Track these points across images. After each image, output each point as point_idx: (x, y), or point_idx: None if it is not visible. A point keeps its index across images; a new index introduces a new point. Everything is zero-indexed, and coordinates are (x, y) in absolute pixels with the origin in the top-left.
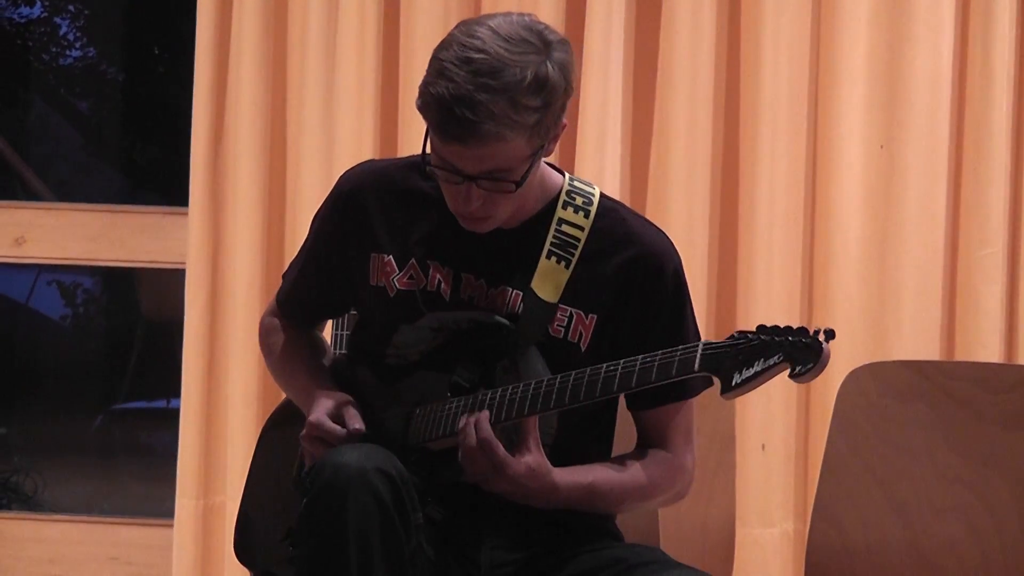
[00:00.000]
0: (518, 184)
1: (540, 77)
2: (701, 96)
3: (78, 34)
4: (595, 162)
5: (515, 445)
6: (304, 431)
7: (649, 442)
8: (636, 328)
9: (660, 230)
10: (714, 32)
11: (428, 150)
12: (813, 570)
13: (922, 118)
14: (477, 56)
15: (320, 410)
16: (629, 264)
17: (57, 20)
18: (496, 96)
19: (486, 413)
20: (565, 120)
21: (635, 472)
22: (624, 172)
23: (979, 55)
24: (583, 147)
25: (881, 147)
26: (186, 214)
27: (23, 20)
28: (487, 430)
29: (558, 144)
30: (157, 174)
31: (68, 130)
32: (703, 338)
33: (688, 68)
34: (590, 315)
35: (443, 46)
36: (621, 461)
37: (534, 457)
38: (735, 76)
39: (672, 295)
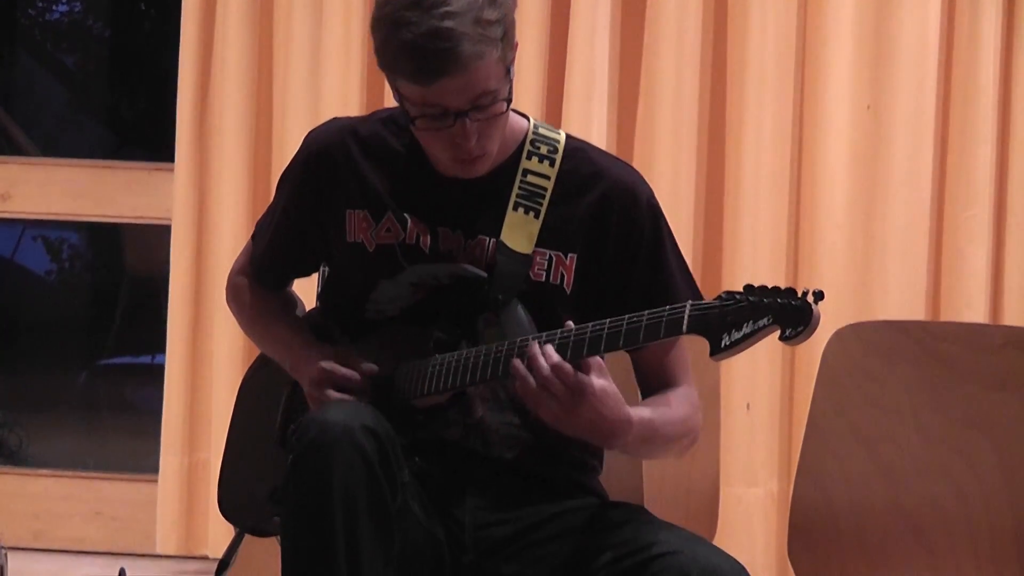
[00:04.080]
0: (509, 101)
1: None
2: (688, 56)
3: None
4: (582, 124)
5: (579, 371)
6: (313, 378)
7: (655, 382)
8: (619, 264)
9: (628, 164)
10: None
11: (406, 109)
12: (797, 529)
13: (909, 79)
14: None
15: (324, 358)
16: (601, 200)
17: None
18: (460, 19)
19: (549, 346)
20: (517, 39)
21: (671, 409)
22: (611, 131)
23: (966, 16)
24: (569, 105)
25: (868, 108)
26: (172, 170)
27: None
28: (555, 356)
29: (545, 103)
30: (143, 130)
31: (54, 85)
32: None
33: (675, 28)
34: (570, 255)
35: (384, 2)
36: (657, 400)
37: (607, 381)
38: (722, 36)
39: (650, 226)
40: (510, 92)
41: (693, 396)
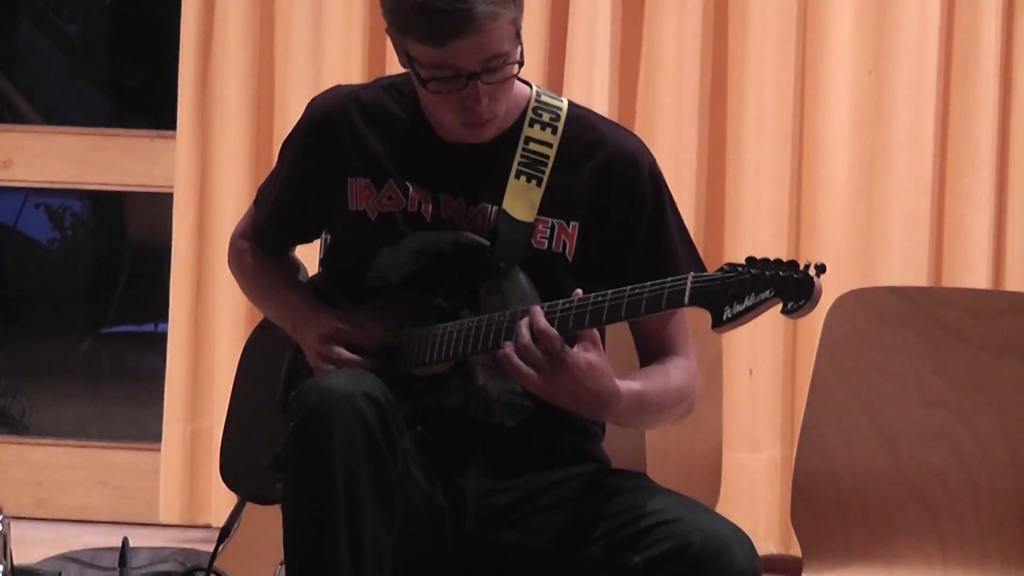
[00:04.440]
0: (521, 64)
1: None
2: (689, 21)
3: None
4: (583, 87)
5: (574, 342)
6: (323, 334)
7: (654, 350)
8: (621, 232)
9: (631, 132)
10: None
11: (417, 72)
12: (799, 495)
13: (910, 44)
14: None
15: (335, 318)
16: (603, 167)
17: None
18: None
19: (539, 308)
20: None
21: (667, 379)
22: (612, 97)
23: None
24: (571, 73)
25: (869, 73)
26: (174, 137)
27: None
28: (543, 322)
29: (546, 69)
30: (145, 97)
31: (56, 53)
32: (695, 243)
33: None
34: (572, 223)
35: None
36: (653, 369)
37: (596, 355)
38: (723, 1)
39: (652, 194)
40: (521, 55)
41: (691, 365)
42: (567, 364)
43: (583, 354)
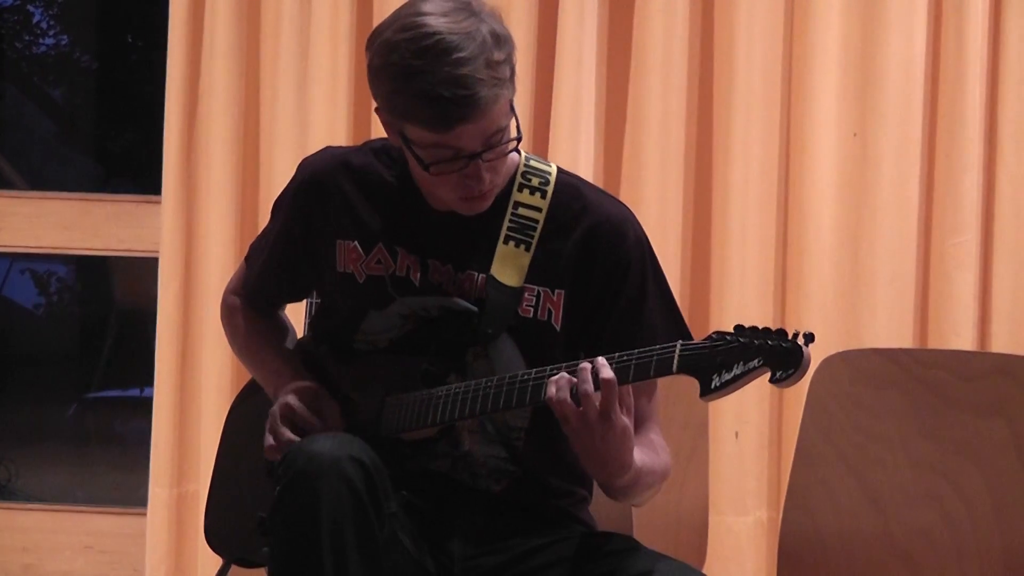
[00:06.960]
0: (519, 138)
1: (494, 33)
2: (675, 84)
3: (51, 22)
4: (569, 151)
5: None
6: (276, 409)
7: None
8: (603, 299)
9: (618, 201)
10: (688, 19)
11: (416, 155)
12: (786, 558)
13: (895, 106)
14: (433, 41)
15: (296, 395)
16: (588, 234)
17: (30, 8)
18: (474, 64)
19: (604, 359)
20: None
21: (656, 458)
22: (598, 161)
23: (952, 43)
24: (556, 135)
25: (854, 135)
26: (159, 202)
27: None
28: (610, 372)
29: (532, 132)
30: (130, 162)
31: (41, 118)
32: (682, 313)
33: (661, 56)
34: (557, 291)
35: (387, 51)
36: (648, 446)
37: (629, 423)
38: (708, 64)
39: (637, 264)
40: (518, 129)
41: (663, 442)
42: (612, 423)
43: (623, 419)
